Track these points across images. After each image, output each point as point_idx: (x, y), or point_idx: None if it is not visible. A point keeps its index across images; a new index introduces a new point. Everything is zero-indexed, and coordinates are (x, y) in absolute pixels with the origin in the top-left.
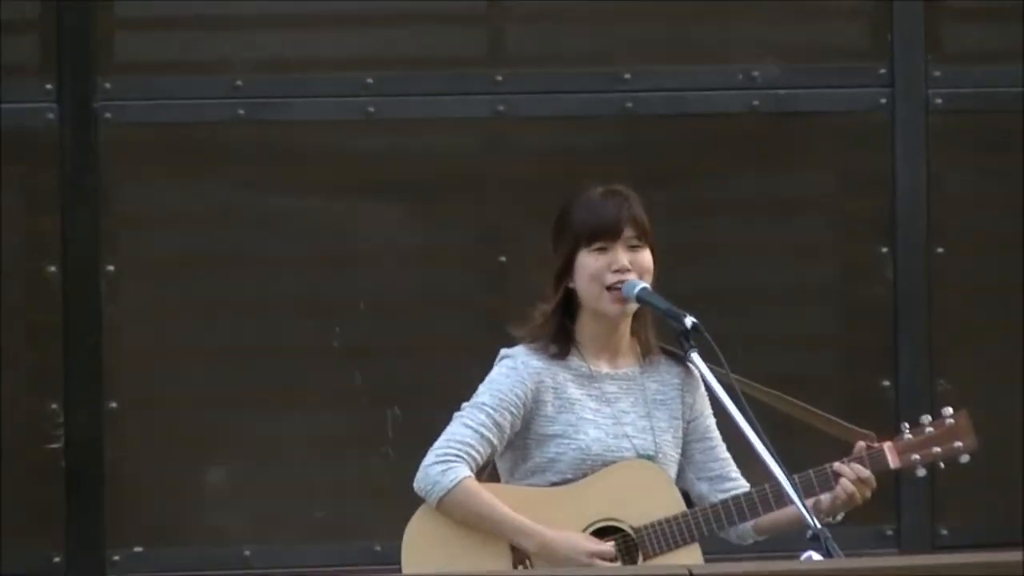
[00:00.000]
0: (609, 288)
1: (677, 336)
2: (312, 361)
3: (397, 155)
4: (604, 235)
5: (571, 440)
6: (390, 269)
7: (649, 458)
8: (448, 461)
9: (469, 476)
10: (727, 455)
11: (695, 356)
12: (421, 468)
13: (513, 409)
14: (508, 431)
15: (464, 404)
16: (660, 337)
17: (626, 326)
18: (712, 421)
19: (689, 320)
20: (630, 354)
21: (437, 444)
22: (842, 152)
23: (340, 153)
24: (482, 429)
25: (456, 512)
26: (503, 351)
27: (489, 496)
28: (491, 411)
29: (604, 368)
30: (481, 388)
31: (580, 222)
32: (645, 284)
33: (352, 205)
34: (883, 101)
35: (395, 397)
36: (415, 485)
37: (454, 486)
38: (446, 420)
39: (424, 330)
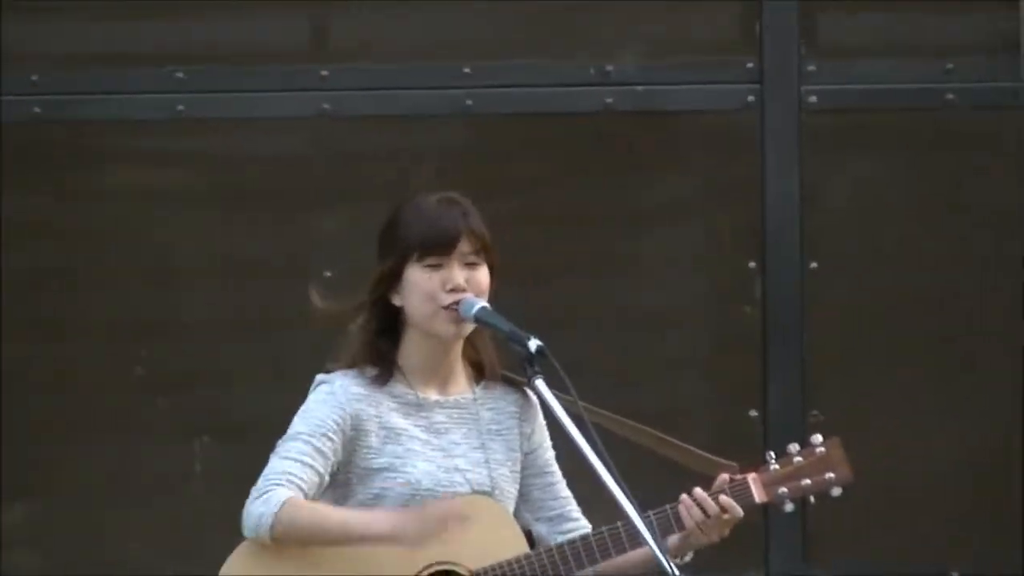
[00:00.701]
0: (446, 308)
1: (520, 361)
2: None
3: (209, 158)
4: (438, 249)
5: (398, 474)
6: (201, 285)
7: (485, 494)
8: (267, 492)
9: (294, 496)
10: (568, 493)
11: (539, 383)
12: (244, 511)
13: (332, 436)
14: (331, 459)
15: (279, 441)
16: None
17: (458, 349)
18: (552, 455)
19: (534, 343)
20: (461, 379)
21: (256, 485)
22: (706, 156)
23: (146, 156)
24: (302, 457)
25: (293, 534)
26: (319, 377)
27: (323, 504)
28: (308, 438)
29: (433, 395)
30: (296, 419)
31: (411, 233)
32: (484, 303)
33: (158, 214)
34: (751, 99)
35: (207, 427)
36: (244, 531)
37: (279, 508)
38: (264, 453)
39: (237, 354)
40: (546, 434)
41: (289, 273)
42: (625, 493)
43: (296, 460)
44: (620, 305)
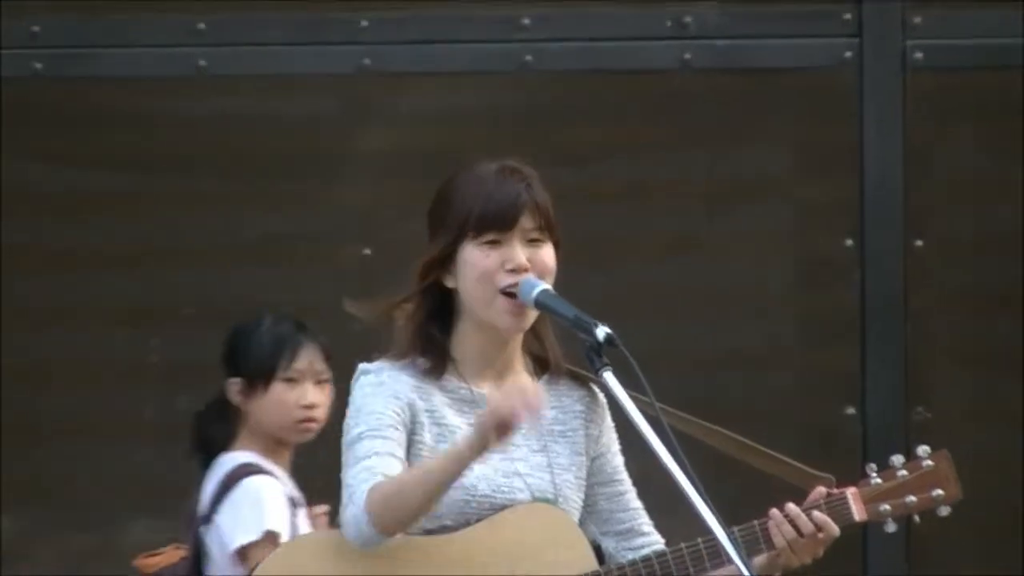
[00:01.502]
0: (504, 292)
1: (586, 352)
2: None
3: (233, 121)
4: (498, 224)
5: None
6: (220, 265)
7: (548, 503)
8: (350, 496)
9: (371, 484)
10: (639, 504)
11: (608, 376)
12: (343, 531)
13: (397, 426)
14: (404, 444)
15: (344, 457)
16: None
17: (518, 339)
18: (621, 461)
19: (602, 331)
20: (521, 373)
21: (343, 505)
22: (797, 120)
23: (161, 119)
24: (372, 453)
25: (394, 514)
26: (361, 367)
27: (400, 473)
28: (372, 435)
29: (489, 390)
30: (348, 423)
31: (467, 206)
32: (547, 286)
33: (173, 184)
34: (848, 55)
35: None
36: (358, 545)
37: (365, 501)
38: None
39: None
40: (615, 437)
41: (321, 252)
42: (708, 505)
43: (367, 457)
44: (697, 290)
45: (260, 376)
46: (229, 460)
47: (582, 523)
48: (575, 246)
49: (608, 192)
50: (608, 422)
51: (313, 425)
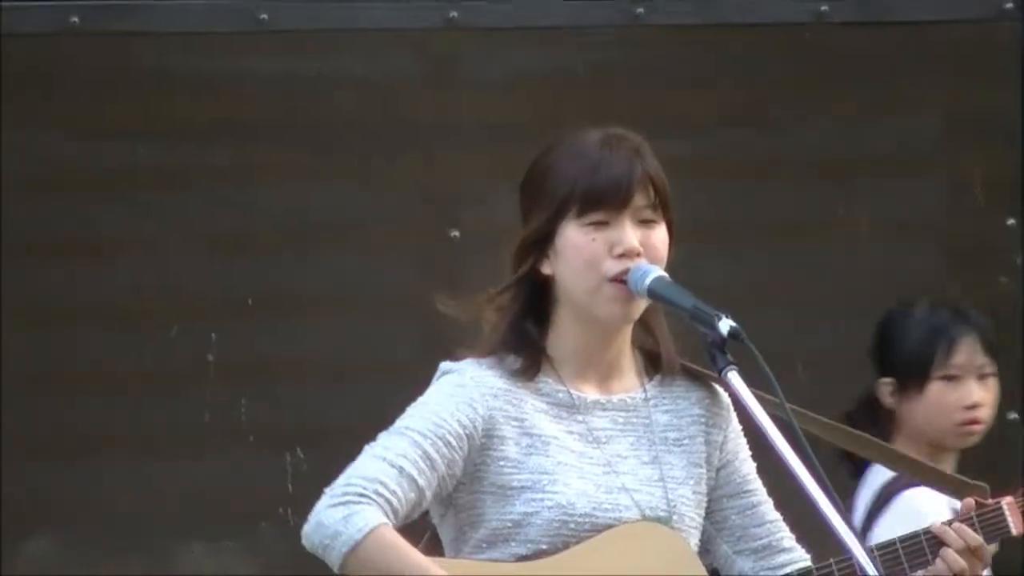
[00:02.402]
0: (612, 280)
1: (707, 348)
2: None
3: (298, 84)
4: (606, 202)
5: (546, 495)
6: (285, 252)
7: (661, 522)
8: (351, 504)
9: (385, 523)
10: (776, 516)
11: (733, 375)
12: (312, 516)
13: (454, 440)
14: (445, 472)
15: (381, 433)
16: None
17: (626, 334)
18: (752, 468)
19: (726, 324)
20: (629, 372)
21: (335, 484)
22: (949, 80)
23: (215, 80)
24: (403, 463)
25: (368, 571)
26: (444, 365)
27: (417, 552)
28: (419, 439)
29: (591, 393)
30: (409, 410)
31: (569, 181)
32: (661, 272)
33: (232, 158)
34: (1008, 6)
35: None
36: (306, 541)
37: (363, 537)
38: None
39: (336, 340)
40: (743, 442)
41: (403, 234)
42: (846, 519)
43: (396, 466)
44: (834, 278)
45: (913, 375)
46: (883, 470)
47: (711, 541)
48: (690, 227)
49: (728, 166)
50: (734, 425)
51: (978, 427)
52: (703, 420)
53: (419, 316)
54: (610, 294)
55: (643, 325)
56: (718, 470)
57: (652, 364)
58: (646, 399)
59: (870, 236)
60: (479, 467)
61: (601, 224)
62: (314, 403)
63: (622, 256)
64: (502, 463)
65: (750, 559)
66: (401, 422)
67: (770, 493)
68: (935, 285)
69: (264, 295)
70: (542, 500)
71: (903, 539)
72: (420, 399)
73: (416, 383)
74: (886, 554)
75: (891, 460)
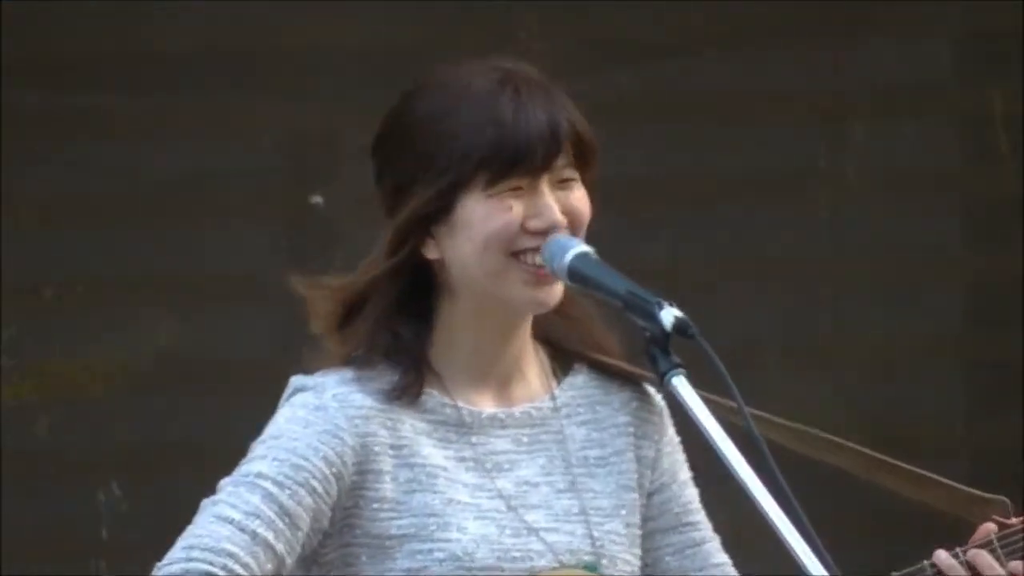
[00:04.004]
0: (520, 256)
1: (646, 346)
2: None
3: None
4: (524, 167)
5: (435, 544)
6: (111, 226)
7: (591, 568)
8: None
9: None
10: (723, 558)
11: (680, 383)
12: None
13: (319, 485)
14: (310, 528)
15: (224, 481)
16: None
17: (527, 327)
18: (693, 495)
19: (669, 315)
20: (532, 376)
21: (170, 556)
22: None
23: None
24: (256, 525)
25: None
26: (296, 380)
27: None
28: (274, 490)
29: (487, 407)
30: (257, 448)
31: (470, 142)
32: (585, 247)
33: (43, 104)
34: None
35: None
36: None
37: None
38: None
39: (180, 339)
40: (682, 459)
41: (248, 200)
42: (820, 551)
43: (247, 531)
44: (813, 245)
45: None
46: None
47: None
48: (625, 187)
49: (679, 105)
50: (670, 436)
51: None
52: (631, 430)
53: (273, 304)
54: (520, 276)
55: (549, 315)
56: (650, 495)
57: (560, 361)
58: (555, 408)
59: (862, 191)
60: (350, 512)
61: (515, 191)
62: (136, 420)
63: (540, 232)
64: (376, 506)
65: None
66: (249, 466)
67: (730, 533)
68: (949, 254)
69: (69, 279)
70: (431, 552)
71: (907, 573)
72: (269, 430)
73: (271, 391)
74: None
75: (878, 473)
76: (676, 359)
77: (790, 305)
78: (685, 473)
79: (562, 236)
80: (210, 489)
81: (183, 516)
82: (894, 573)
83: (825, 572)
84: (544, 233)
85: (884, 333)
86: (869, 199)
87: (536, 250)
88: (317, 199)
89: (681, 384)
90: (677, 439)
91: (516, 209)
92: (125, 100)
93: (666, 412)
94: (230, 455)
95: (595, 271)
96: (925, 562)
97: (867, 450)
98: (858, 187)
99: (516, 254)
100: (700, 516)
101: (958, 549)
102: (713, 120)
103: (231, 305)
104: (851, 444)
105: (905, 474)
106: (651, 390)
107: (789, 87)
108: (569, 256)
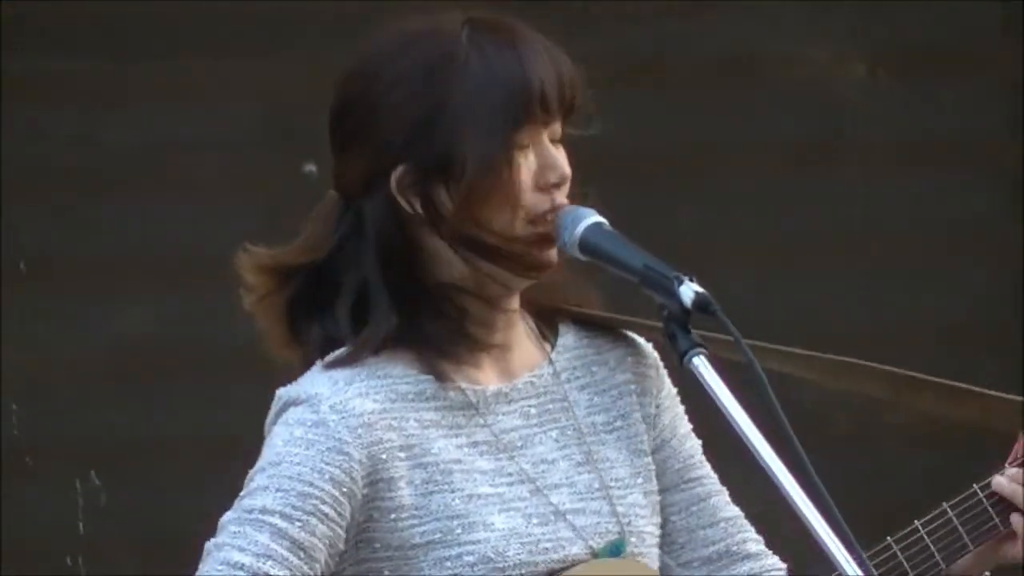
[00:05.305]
0: (536, 221)
1: (664, 324)
2: None
3: None
4: (536, 115)
5: (463, 547)
6: (82, 200)
7: (616, 550)
8: None
9: None
10: (734, 511)
11: (699, 363)
12: None
13: (331, 509)
14: (326, 556)
15: (225, 518)
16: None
17: (516, 297)
18: (696, 447)
19: (689, 290)
20: (525, 342)
21: None
22: None
23: None
24: (269, 568)
25: None
26: (283, 393)
27: None
28: (283, 524)
29: (491, 383)
30: (256, 478)
31: (478, 96)
32: (597, 216)
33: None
34: None
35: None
36: None
37: None
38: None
39: (161, 323)
40: (681, 412)
41: (234, 171)
42: (849, 543)
43: (258, 574)
44: (840, 219)
45: None
46: None
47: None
48: (639, 157)
49: (680, 68)
50: (668, 389)
51: None
52: (632, 387)
53: None
54: (533, 238)
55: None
56: (652, 454)
57: (545, 320)
58: (555, 374)
59: (897, 162)
60: (365, 527)
61: (522, 148)
62: (115, 410)
63: (554, 186)
64: (394, 516)
65: (702, 571)
66: (252, 500)
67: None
68: (996, 231)
69: (41, 258)
70: (460, 557)
71: (955, 505)
72: (267, 455)
73: (254, 379)
74: (937, 528)
75: (916, 392)
76: (696, 338)
77: (820, 282)
78: (685, 426)
79: (572, 205)
80: (189, 483)
81: (163, 511)
82: (947, 504)
83: (850, 558)
84: (556, 188)
85: (920, 315)
86: (905, 172)
87: (552, 211)
88: (311, 167)
89: (703, 365)
90: (674, 390)
91: (527, 163)
92: (86, 64)
93: (659, 364)
94: (210, 446)
95: (610, 243)
96: (976, 486)
97: (894, 368)
98: (895, 159)
99: (538, 221)
100: (704, 470)
101: (1003, 467)
102: (718, 85)
103: (208, 289)
104: (878, 365)
105: (936, 389)
106: (641, 340)
107: (811, 47)
108: (582, 227)
